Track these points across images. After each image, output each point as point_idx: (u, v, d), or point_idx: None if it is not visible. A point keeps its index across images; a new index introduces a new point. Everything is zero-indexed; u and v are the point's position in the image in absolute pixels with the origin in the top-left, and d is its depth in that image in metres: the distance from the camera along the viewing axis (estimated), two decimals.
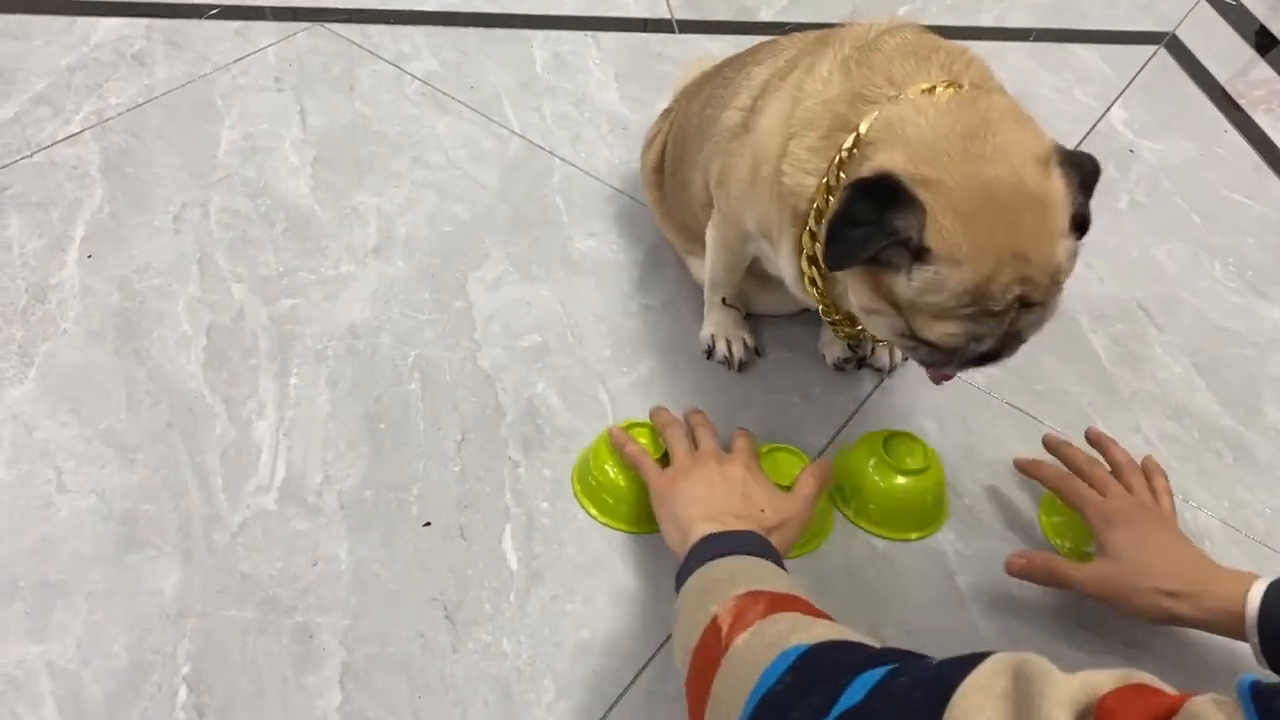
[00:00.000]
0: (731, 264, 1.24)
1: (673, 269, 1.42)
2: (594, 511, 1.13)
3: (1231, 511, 1.21)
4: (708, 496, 1.00)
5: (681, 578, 0.89)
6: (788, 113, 1.02)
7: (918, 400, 1.29)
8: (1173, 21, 2.09)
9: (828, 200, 0.96)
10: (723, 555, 0.88)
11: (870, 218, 0.88)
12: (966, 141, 0.89)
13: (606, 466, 1.12)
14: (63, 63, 1.63)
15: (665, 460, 1.10)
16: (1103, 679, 0.53)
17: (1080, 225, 0.92)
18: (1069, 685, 0.53)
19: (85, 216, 1.39)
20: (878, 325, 0.97)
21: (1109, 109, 1.82)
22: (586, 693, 0.99)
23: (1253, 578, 0.96)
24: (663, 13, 1.94)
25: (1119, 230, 1.59)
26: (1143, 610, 0.99)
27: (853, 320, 1.08)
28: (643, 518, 1.11)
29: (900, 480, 1.13)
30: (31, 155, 1.47)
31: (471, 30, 1.82)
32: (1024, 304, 0.89)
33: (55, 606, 1.00)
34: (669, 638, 1.03)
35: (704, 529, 0.93)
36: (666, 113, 1.45)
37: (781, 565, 0.91)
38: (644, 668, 1.01)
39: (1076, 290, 1.46)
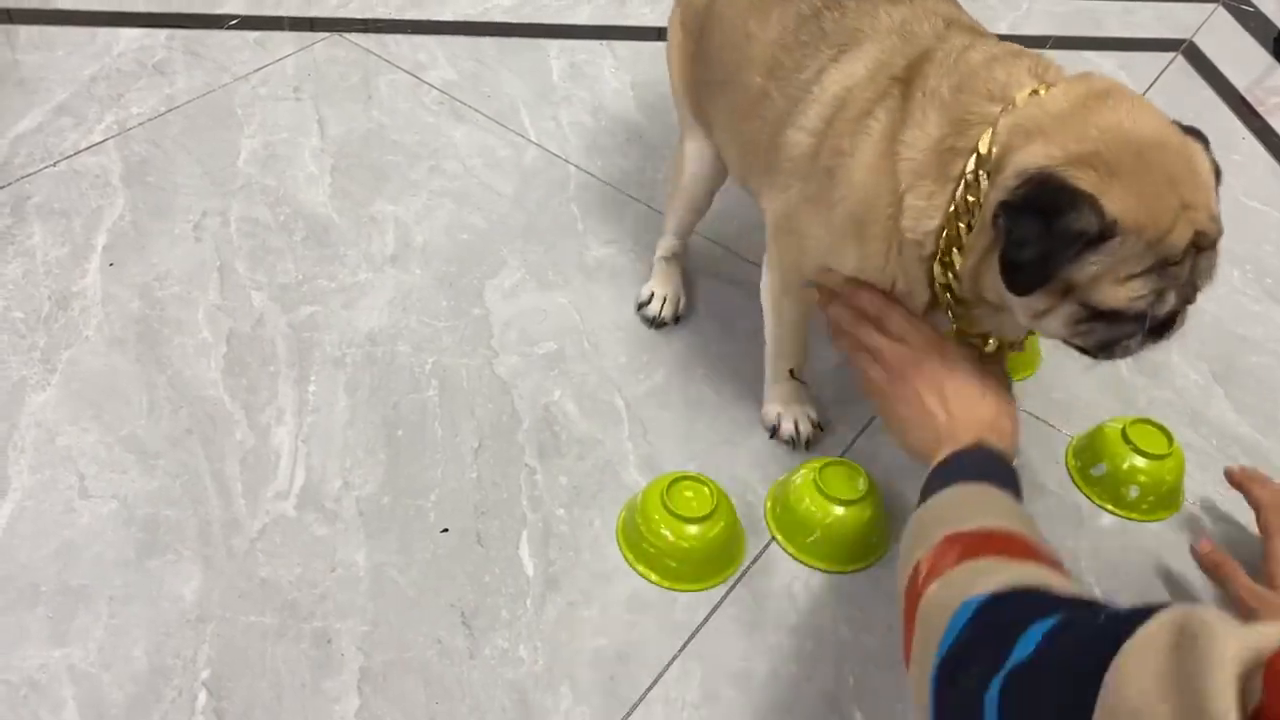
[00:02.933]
0: (801, 321, 1.19)
1: (688, 276, 1.42)
2: (655, 578, 1.08)
3: (1251, 520, 1.20)
4: (926, 414, 0.97)
5: (930, 487, 0.90)
6: (889, 167, 0.97)
7: None
8: (1190, 28, 2.09)
9: (958, 228, 0.94)
10: (961, 481, 0.88)
11: (1039, 229, 0.86)
12: (1100, 112, 0.89)
13: (663, 530, 1.06)
14: (85, 73, 1.65)
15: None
16: (1272, 633, 0.51)
17: (1218, 175, 0.93)
18: (1234, 642, 0.50)
19: (107, 225, 1.40)
20: (1051, 323, 0.93)
21: None
22: (603, 699, 0.99)
23: None
24: None
25: None
26: None
27: (984, 333, 1.04)
28: (711, 572, 1.08)
29: (839, 511, 1.11)
30: (55, 164, 1.48)
31: (488, 40, 1.83)
32: (1197, 249, 0.88)
33: (77, 611, 1.01)
34: (685, 644, 1.04)
35: (952, 439, 0.93)
36: None
37: (1016, 474, 0.91)
38: (661, 674, 1.01)
39: None
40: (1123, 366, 1.38)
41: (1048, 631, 0.61)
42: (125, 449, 1.15)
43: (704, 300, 1.39)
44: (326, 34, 1.79)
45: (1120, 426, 1.21)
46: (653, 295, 1.35)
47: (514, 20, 1.89)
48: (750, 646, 1.04)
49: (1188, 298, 0.91)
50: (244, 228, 1.42)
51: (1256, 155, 1.78)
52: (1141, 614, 0.57)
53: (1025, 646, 0.61)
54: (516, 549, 1.10)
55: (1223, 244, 0.90)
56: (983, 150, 0.92)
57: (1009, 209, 0.88)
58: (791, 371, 1.23)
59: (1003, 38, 1.09)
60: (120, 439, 1.15)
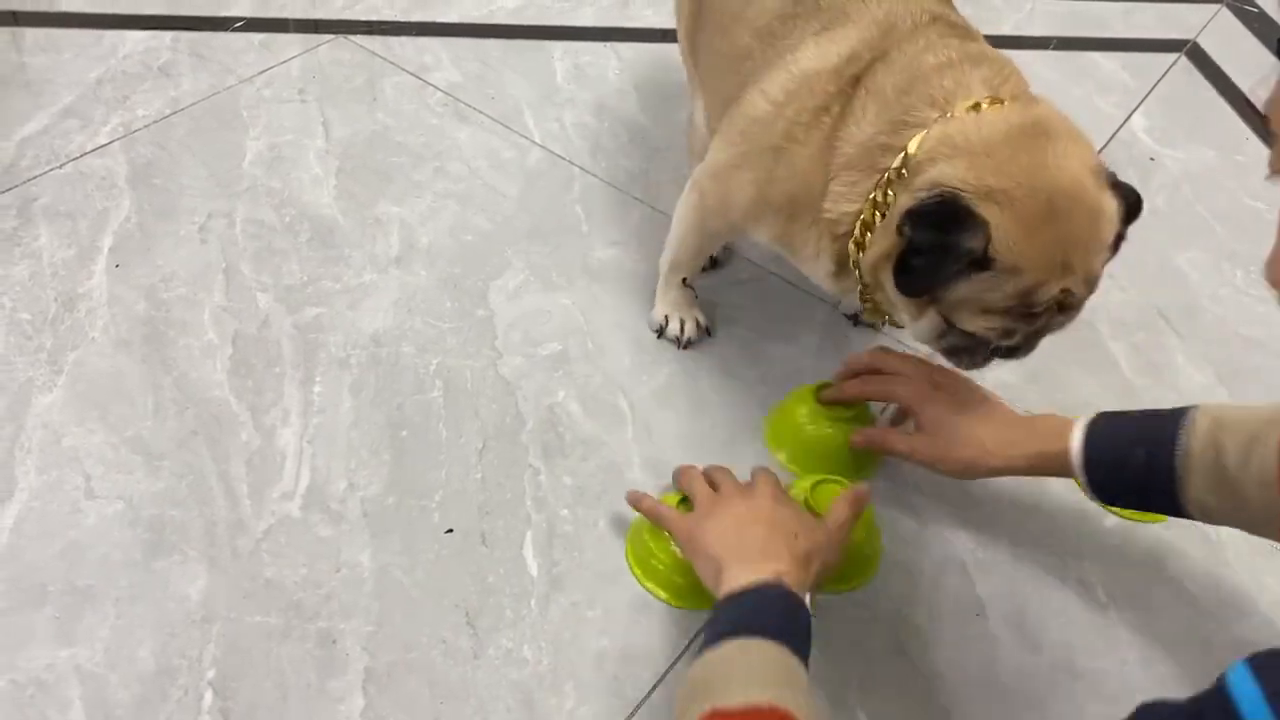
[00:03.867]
0: (705, 248, 1.29)
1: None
2: (665, 596, 1.07)
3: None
4: (736, 532, 0.96)
5: (706, 637, 0.87)
6: (823, 159, 1.04)
7: None
8: (1194, 29, 2.08)
9: (874, 215, 0.99)
10: (733, 635, 0.85)
11: (933, 241, 0.91)
12: (1027, 150, 0.91)
13: (673, 546, 1.05)
14: (91, 75, 1.65)
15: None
16: None
17: (1115, 246, 0.97)
18: None
19: (113, 227, 1.41)
20: (921, 329, 1.01)
21: (1129, 117, 1.82)
22: (607, 699, 0.99)
23: (1069, 420, 1.02)
24: None
25: (1139, 238, 1.56)
26: (963, 462, 1.06)
27: (881, 310, 1.11)
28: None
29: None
30: (61, 166, 1.49)
31: (492, 42, 1.84)
32: (1061, 307, 0.94)
33: (83, 611, 1.01)
34: (689, 644, 1.04)
35: (732, 578, 0.91)
36: None
37: (803, 613, 0.88)
38: (664, 675, 1.02)
39: (1096, 299, 1.46)
40: (1126, 368, 1.38)
41: None
42: (131, 450, 1.15)
43: (707, 302, 1.39)
44: (331, 36, 1.79)
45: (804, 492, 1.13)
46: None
47: (518, 22, 1.90)
48: None
49: (1030, 342, 1.00)
50: (249, 229, 1.43)
51: (1261, 156, 1.77)
52: None
53: None
54: (521, 549, 1.10)
55: (1093, 302, 0.98)
56: (911, 151, 0.96)
57: (913, 216, 0.92)
58: (684, 280, 1.31)
59: (1006, 39, 1.10)
60: (126, 440, 1.16)
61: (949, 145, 0.94)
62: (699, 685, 0.83)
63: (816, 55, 1.07)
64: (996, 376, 1.34)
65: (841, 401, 1.19)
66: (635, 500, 1.08)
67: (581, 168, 1.60)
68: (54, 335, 1.26)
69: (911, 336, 1.07)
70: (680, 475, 1.11)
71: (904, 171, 0.96)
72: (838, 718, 1.00)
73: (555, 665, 1.01)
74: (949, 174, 0.92)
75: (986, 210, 0.89)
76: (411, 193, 1.52)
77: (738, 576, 0.91)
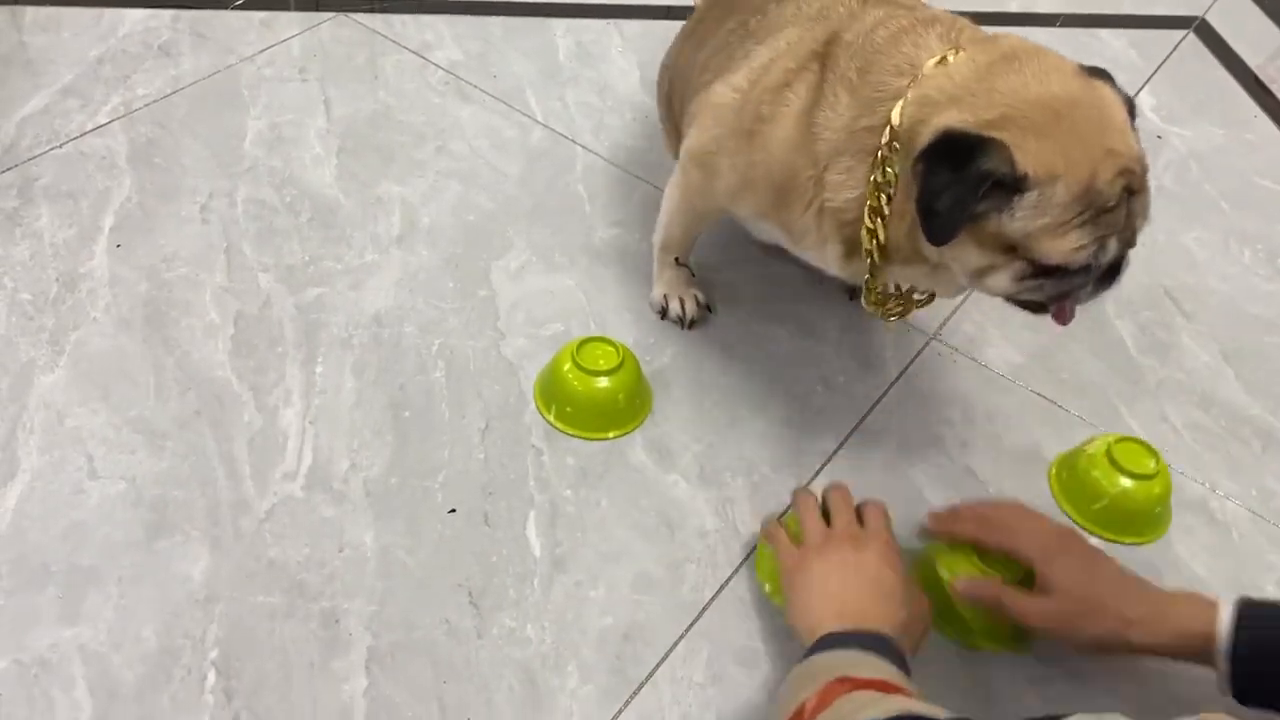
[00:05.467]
0: (694, 226, 1.28)
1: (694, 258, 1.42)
2: (551, 418, 1.19)
3: (1260, 500, 1.20)
4: (841, 591, 0.93)
5: (811, 651, 0.87)
6: (807, 146, 1.02)
7: (942, 388, 1.29)
8: (1202, 6, 2.07)
9: (879, 199, 0.98)
10: (837, 648, 0.85)
11: (950, 178, 0.89)
12: (1005, 78, 0.91)
13: (569, 375, 1.17)
14: (91, 54, 1.64)
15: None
16: None
17: (1131, 111, 0.95)
18: None
19: (114, 206, 1.40)
20: (997, 281, 0.96)
21: (1137, 95, 1.80)
22: (610, 678, 0.99)
23: (1212, 599, 0.92)
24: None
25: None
26: (1099, 641, 0.95)
27: (884, 300, 1.12)
28: (596, 424, 1.18)
29: (600, 383, 1.18)
30: (61, 146, 1.48)
31: (494, 19, 1.82)
32: (1129, 192, 0.91)
33: (87, 591, 1.01)
34: (692, 623, 1.04)
35: (827, 628, 0.89)
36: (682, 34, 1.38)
37: (905, 667, 0.85)
38: (667, 654, 1.02)
39: None
40: (1133, 347, 1.37)
41: None
42: (133, 430, 1.15)
43: (708, 282, 1.38)
44: (332, 14, 1.78)
45: (1105, 447, 1.15)
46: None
47: (520, 0, 1.88)
48: (757, 626, 1.04)
49: (1128, 242, 0.94)
50: (250, 209, 1.42)
51: (1269, 134, 1.77)
52: None
53: None
54: (524, 529, 1.10)
55: (1154, 182, 0.94)
56: (895, 123, 0.95)
57: (926, 157, 0.91)
58: (677, 259, 1.31)
59: (1012, 17, 1.09)
60: (128, 420, 1.16)
61: (930, 103, 0.93)
62: (820, 668, 0.82)
63: (767, 49, 1.10)
64: (1000, 355, 1.34)
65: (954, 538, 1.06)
66: (766, 524, 1.08)
67: (584, 147, 1.59)
68: (55, 315, 1.26)
69: (986, 294, 1.00)
70: (798, 502, 1.06)
71: (896, 144, 0.96)
72: None
73: (558, 645, 1.01)
74: (947, 120, 0.91)
75: (994, 133, 0.89)
76: (413, 172, 1.51)
77: (835, 627, 0.89)
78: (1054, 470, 1.20)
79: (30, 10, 1.72)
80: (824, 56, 1.04)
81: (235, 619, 1.01)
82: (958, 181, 0.88)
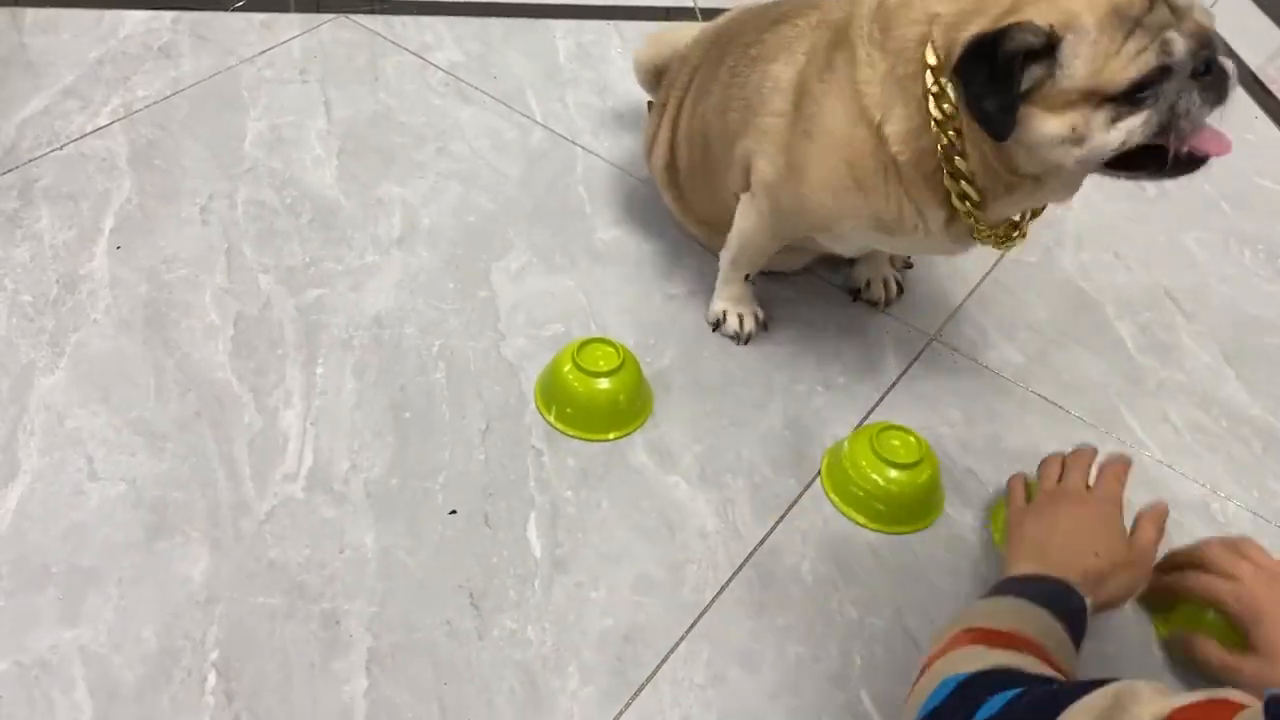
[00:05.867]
0: (770, 249, 1.27)
1: (696, 259, 1.42)
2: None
3: (1261, 501, 1.20)
4: (1046, 539, 0.99)
5: (984, 595, 0.93)
6: (857, 110, 1.04)
7: (942, 389, 1.29)
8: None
9: (948, 138, 0.99)
10: (1002, 594, 0.90)
11: (987, 70, 0.92)
12: None
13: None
14: (91, 55, 1.64)
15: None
16: (1186, 697, 0.58)
17: None
18: (1153, 704, 0.60)
19: (114, 208, 1.40)
20: (1097, 139, 0.93)
21: None
22: (611, 680, 0.99)
23: None
24: (685, 1, 1.94)
25: (1147, 218, 1.58)
26: None
27: (1008, 228, 1.10)
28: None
29: (601, 384, 1.18)
30: (61, 147, 1.48)
31: (494, 20, 1.82)
32: (1196, 39, 0.90)
33: (87, 592, 1.01)
34: (693, 625, 1.04)
35: (1020, 569, 0.96)
36: (657, 110, 1.42)
37: (1077, 620, 0.88)
38: (668, 655, 1.01)
39: (1103, 279, 1.46)
40: (1133, 348, 1.37)
41: (1008, 700, 0.70)
42: (134, 431, 1.15)
43: (709, 286, 1.38)
44: (333, 15, 1.78)
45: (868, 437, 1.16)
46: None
47: (520, 1, 1.88)
48: (757, 627, 1.04)
49: (1197, 36, 0.91)
50: (251, 211, 1.42)
51: (1269, 135, 1.76)
52: (1091, 686, 0.65)
53: (988, 710, 0.70)
54: (524, 530, 1.10)
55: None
56: (932, 62, 0.98)
57: (960, 70, 0.94)
58: (746, 275, 1.30)
59: None
60: (129, 421, 1.16)
61: (952, 28, 0.96)
62: (973, 613, 0.87)
63: (787, 68, 1.12)
64: (1001, 356, 1.34)
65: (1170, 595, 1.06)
66: (1011, 480, 1.14)
67: (584, 148, 1.59)
68: (56, 317, 1.26)
69: (1106, 160, 0.96)
70: (1042, 462, 1.13)
71: (941, 81, 0.97)
72: (840, 698, 1.00)
73: (559, 646, 1.01)
74: (967, 34, 0.94)
75: (1011, 19, 0.91)
76: (413, 173, 1.51)
77: (1024, 569, 0.95)
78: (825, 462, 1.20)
79: (30, 12, 1.72)
80: (844, 41, 1.06)
81: (236, 620, 1.01)
82: (993, 72, 0.91)
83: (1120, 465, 1.08)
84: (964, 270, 1.45)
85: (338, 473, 1.13)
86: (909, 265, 1.43)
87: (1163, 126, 0.92)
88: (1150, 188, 1.63)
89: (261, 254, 1.36)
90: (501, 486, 1.14)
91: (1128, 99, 0.91)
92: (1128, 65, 0.90)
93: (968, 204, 1.03)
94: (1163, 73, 0.90)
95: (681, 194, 1.39)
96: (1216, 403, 1.31)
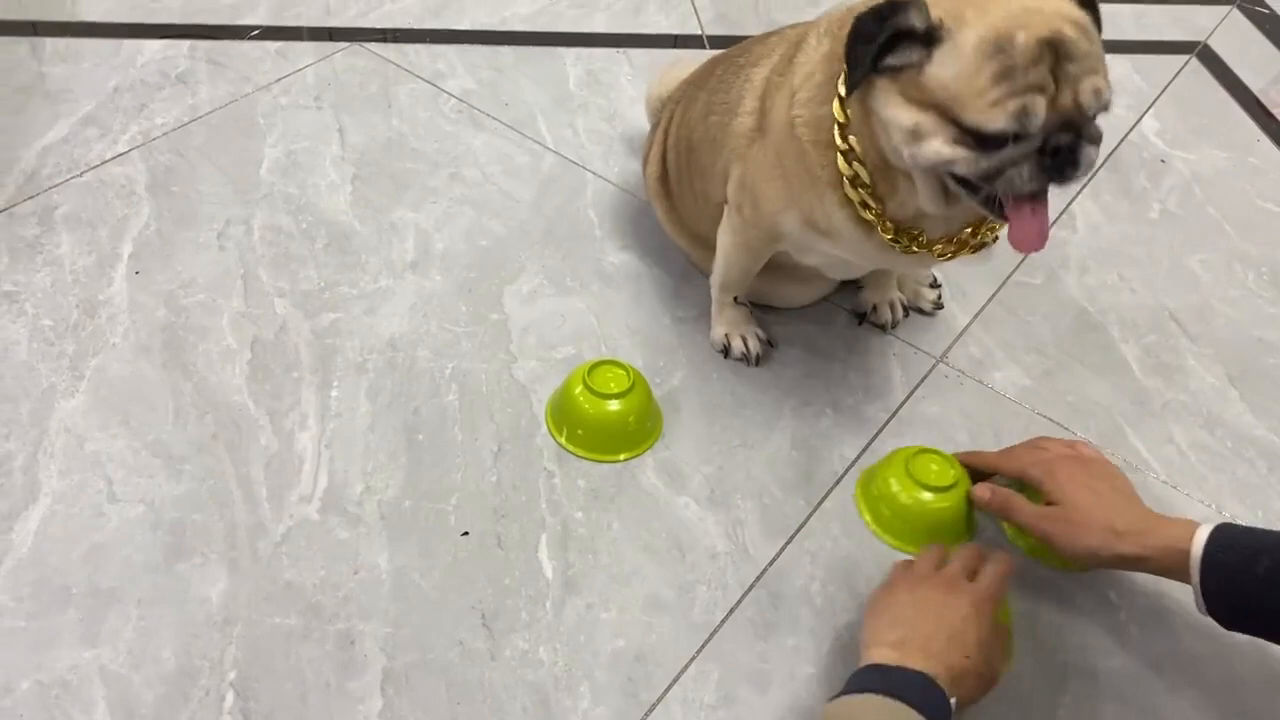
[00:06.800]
0: (751, 266, 1.28)
1: (703, 281, 1.43)
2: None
3: (1267, 522, 1.21)
4: (911, 623, 0.94)
5: (847, 689, 0.89)
6: (789, 92, 1.08)
7: (948, 410, 1.30)
8: (1205, 31, 2.09)
9: (846, 114, 1.02)
10: (871, 688, 0.86)
11: (871, 29, 0.93)
12: None
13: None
14: (110, 84, 1.68)
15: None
16: None
17: (1094, 14, 0.94)
18: None
19: (133, 234, 1.43)
20: (930, 146, 0.93)
21: (1140, 119, 1.82)
22: (622, 700, 1.00)
23: (1198, 523, 0.97)
24: (693, 28, 1.97)
25: (1151, 240, 1.59)
26: (1088, 549, 1.02)
27: (912, 235, 1.07)
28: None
29: (611, 406, 1.20)
30: (81, 174, 1.51)
31: (506, 48, 1.85)
32: (1055, 54, 0.88)
33: (107, 613, 1.03)
34: (703, 645, 1.05)
35: (880, 656, 0.91)
36: (656, 127, 1.47)
37: (942, 709, 0.86)
38: (679, 676, 1.03)
39: (1108, 300, 1.47)
40: (1138, 370, 1.38)
41: None
42: (152, 454, 1.17)
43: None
44: (346, 44, 1.81)
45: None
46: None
47: (531, 29, 1.91)
48: (767, 648, 1.05)
49: (1065, 113, 0.89)
50: (267, 236, 1.44)
51: (1272, 158, 1.78)
52: None
53: None
54: (536, 552, 1.12)
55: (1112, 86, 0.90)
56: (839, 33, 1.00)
57: (854, 25, 0.95)
58: (736, 298, 1.32)
59: None
60: (147, 444, 1.18)
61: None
62: (833, 713, 0.86)
63: (761, 70, 1.15)
64: (1007, 377, 1.35)
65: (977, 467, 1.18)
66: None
67: (594, 173, 1.61)
68: (76, 341, 1.28)
69: (928, 171, 0.97)
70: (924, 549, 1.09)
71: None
72: None
73: (570, 666, 1.03)
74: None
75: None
76: (427, 199, 1.53)
77: (888, 657, 0.90)
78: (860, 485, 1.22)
79: (50, 41, 1.75)
80: (806, 38, 1.10)
81: (253, 640, 1.02)
82: (872, 34, 0.92)
83: (1006, 567, 1.03)
84: (969, 292, 1.46)
85: (352, 494, 1.15)
86: (940, 306, 1.42)
87: (988, 175, 0.93)
88: (1155, 209, 1.65)
89: (277, 278, 1.38)
90: (513, 508, 1.15)
91: (976, 138, 0.91)
92: (982, 109, 0.89)
93: (861, 192, 1.04)
94: (1008, 136, 0.89)
95: (673, 205, 1.42)
96: (1221, 424, 1.32)
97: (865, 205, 1.05)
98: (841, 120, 1.02)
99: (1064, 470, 1.07)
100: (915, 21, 0.91)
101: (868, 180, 1.04)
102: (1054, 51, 0.88)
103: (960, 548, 1.06)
